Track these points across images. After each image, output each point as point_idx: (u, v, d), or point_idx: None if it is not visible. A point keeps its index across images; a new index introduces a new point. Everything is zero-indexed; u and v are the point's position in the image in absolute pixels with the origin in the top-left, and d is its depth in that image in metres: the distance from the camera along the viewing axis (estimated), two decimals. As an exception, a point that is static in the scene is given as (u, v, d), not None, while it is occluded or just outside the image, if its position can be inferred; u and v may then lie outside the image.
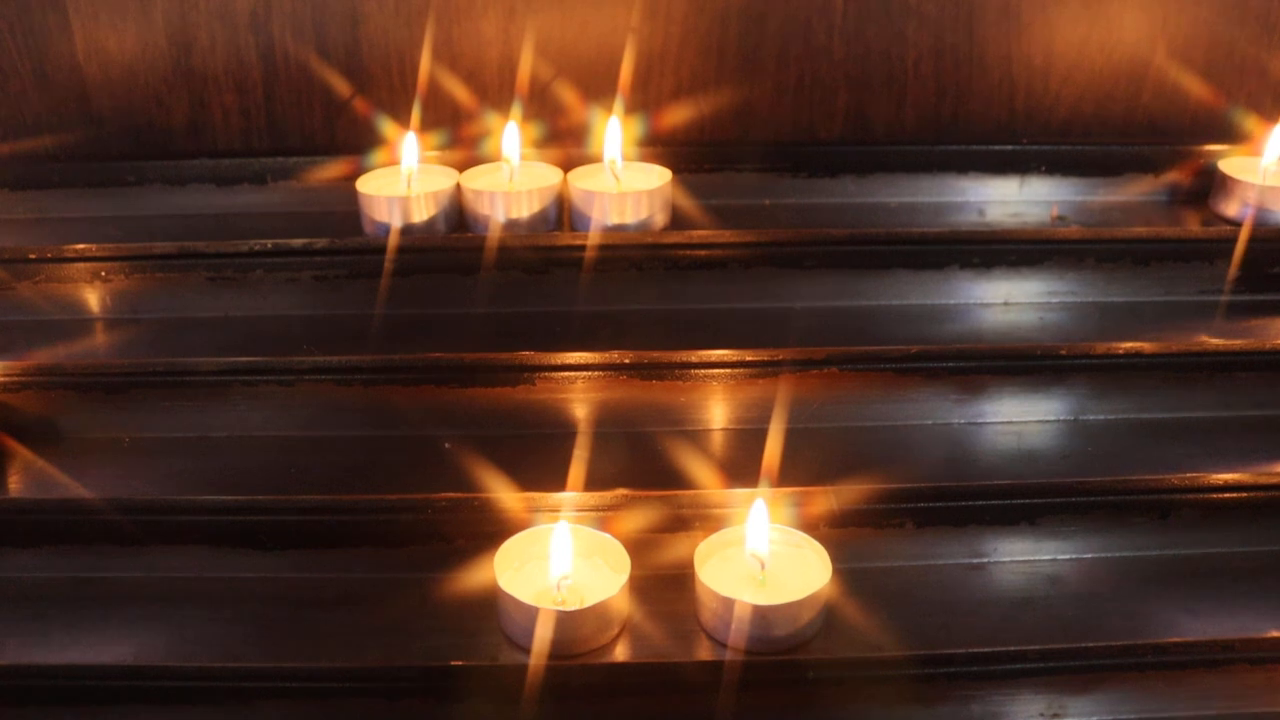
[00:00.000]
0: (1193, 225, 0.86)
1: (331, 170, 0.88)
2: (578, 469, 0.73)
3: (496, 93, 0.89)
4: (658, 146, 0.88)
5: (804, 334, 0.79)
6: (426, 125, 0.90)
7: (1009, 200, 0.90)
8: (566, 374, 0.77)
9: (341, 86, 0.89)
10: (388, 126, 0.90)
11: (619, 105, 0.88)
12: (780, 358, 0.78)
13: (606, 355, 0.77)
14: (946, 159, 0.89)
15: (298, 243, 0.83)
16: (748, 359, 0.78)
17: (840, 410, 0.78)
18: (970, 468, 0.74)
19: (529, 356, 0.77)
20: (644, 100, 0.89)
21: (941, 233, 0.85)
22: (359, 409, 0.77)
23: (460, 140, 0.90)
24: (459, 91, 0.89)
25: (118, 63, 0.87)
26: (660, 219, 0.84)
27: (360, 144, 0.89)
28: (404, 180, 0.86)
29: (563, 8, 0.86)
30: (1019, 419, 0.78)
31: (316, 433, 0.77)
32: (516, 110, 0.89)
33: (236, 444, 0.77)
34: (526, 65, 0.88)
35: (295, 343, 0.79)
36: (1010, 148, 0.89)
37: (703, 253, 0.84)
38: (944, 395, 0.78)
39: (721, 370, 0.78)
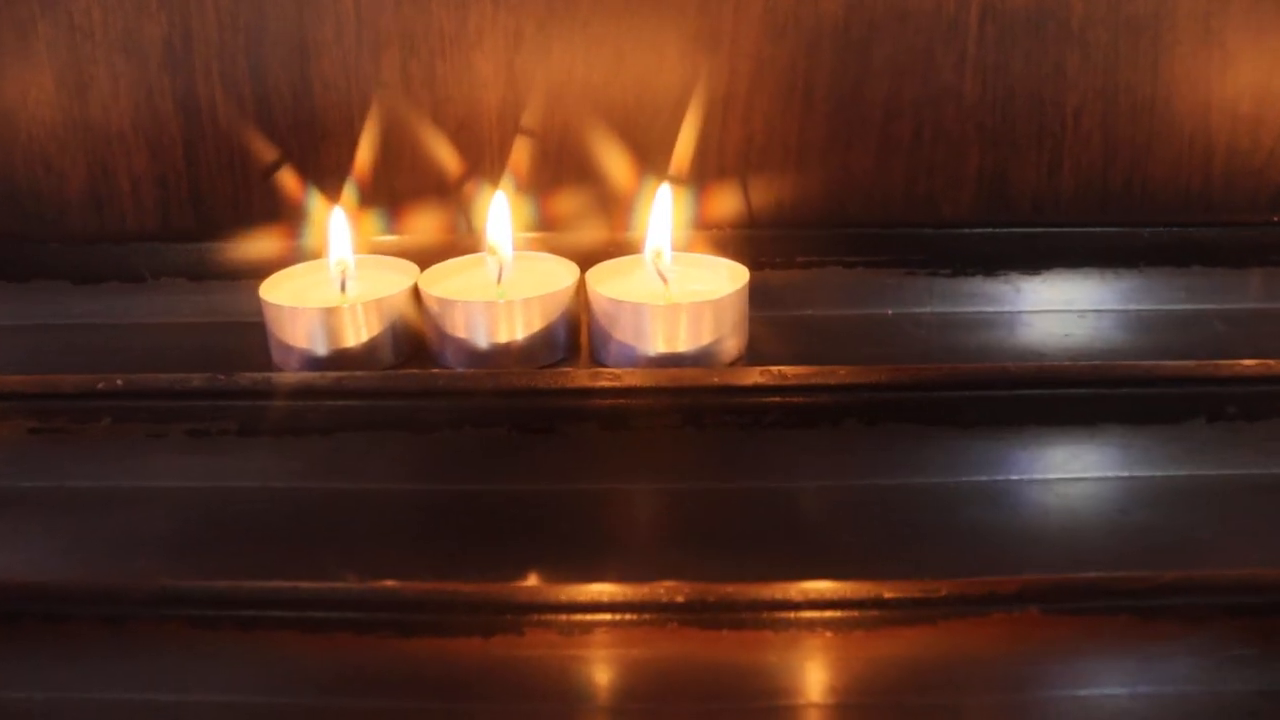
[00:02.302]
0: None
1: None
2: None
3: (497, 151, 0.66)
4: (716, 230, 0.65)
5: (978, 545, 0.49)
6: (396, 195, 0.67)
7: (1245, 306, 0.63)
8: (578, 617, 0.46)
9: (284, 142, 0.67)
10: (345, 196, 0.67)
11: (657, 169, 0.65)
12: (941, 592, 0.46)
13: (646, 590, 0.46)
14: (1142, 247, 0.64)
15: (162, 380, 0.53)
16: (885, 595, 0.46)
17: (1052, 680, 0.45)
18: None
19: (514, 591, 0.47)
20: (699, 164, 0.66)
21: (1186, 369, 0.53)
22: (227, 664, 0.46)
23: (443, 216, 0.67)
24: (443, 148, 0.67)
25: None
26: (731, 345, 0.55)
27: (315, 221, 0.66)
28: (336, 280, 0.56)
29: (588, 35, 0.64)
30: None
31: (159, 696, 0.46)
32: (517, 175, 0.67)
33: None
34: (536, 113, 0.65)
35: (142, 539, 0.51)
36: (1212, 229, 0.64)
37: (801, 400, 0.54)
38: (1223, 648, 0.45)
39: (839, 613, 0.46)
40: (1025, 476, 0.53)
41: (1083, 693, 0.43)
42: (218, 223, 0.67)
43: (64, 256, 0.65)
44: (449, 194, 0.66)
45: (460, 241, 0.63)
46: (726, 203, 0.67)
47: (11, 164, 0.68)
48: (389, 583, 0.46)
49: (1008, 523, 0.51)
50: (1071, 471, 0.53)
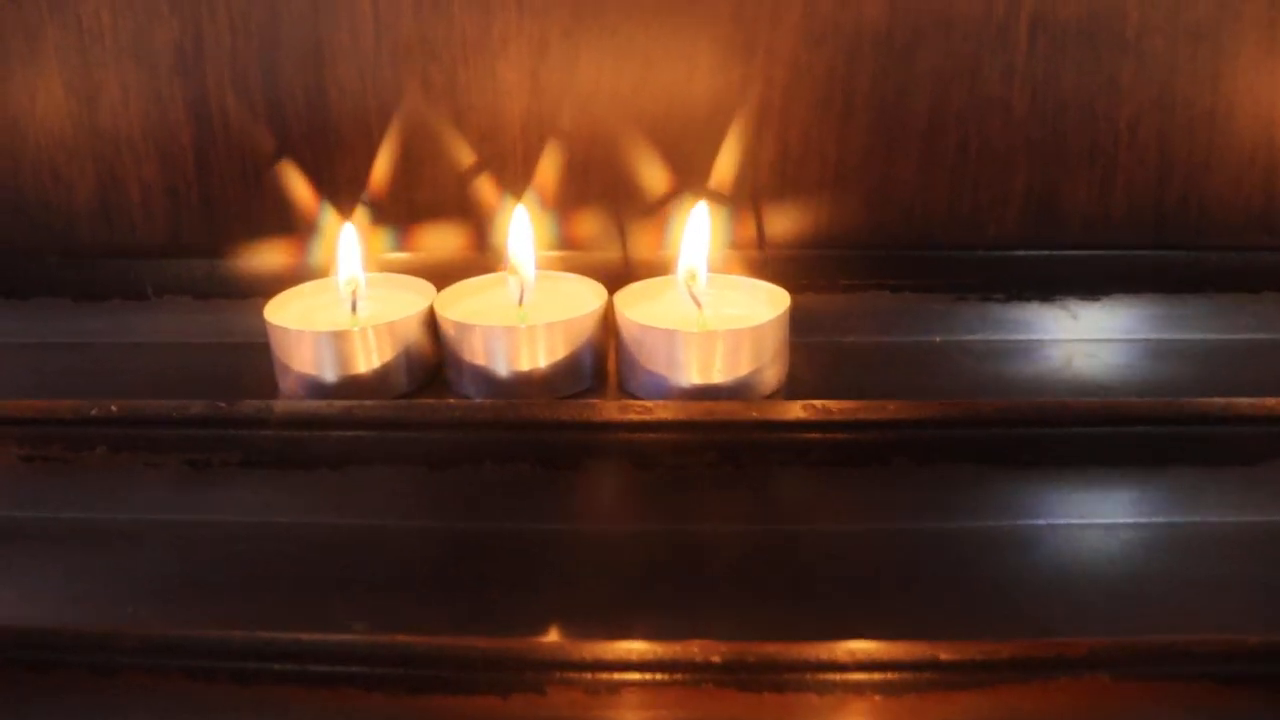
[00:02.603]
0: None
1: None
2: None
3: (520, 163, 0.62)
4: (750, 250, 0.62)
5: (1040, 599, 0.45)
6: (414, 209, 0.63)
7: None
8: (605, 676, 0.43)
9: (298, 151, 0.64)
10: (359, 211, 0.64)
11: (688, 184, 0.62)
12: (1002, 654, 0.42)
13: (679, 648, 0.42)
14: (1208, 271, 0.60)
15: (159, 407, 0.50)
16: (941, 657, 0.42)
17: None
18: None
19: (535, 647, 0.43)
20: (732, 178, 0.62)
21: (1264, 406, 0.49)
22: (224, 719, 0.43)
23: (462, 231, 0.64)
24: (464, 160, 0.63)
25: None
26: (771, 375, 0.51)
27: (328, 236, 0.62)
28: (346, 301, 0.52)
29: (616, 42, 0.61)
30: None
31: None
32: (541, 190, 0.63)
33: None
34: (562, 124, 0.62)
35: (136, 579, 0.47)
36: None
37: (847, 436, 0.50)
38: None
39: (889, 675, 0.42)
40: (1089, 521, 0.49)
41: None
42: (228, 235, 0.64)
43: (67, 273, 0.63)
44: (468, 209, 0.63)
45: (480, 259, 0.60)
46: (761, 220, 0.63)
47: (19, 173, 0.65)
48: (401, 636, 0.43)
49: (1072, 574, 0.46)
50: (1140, 516, 0.49)
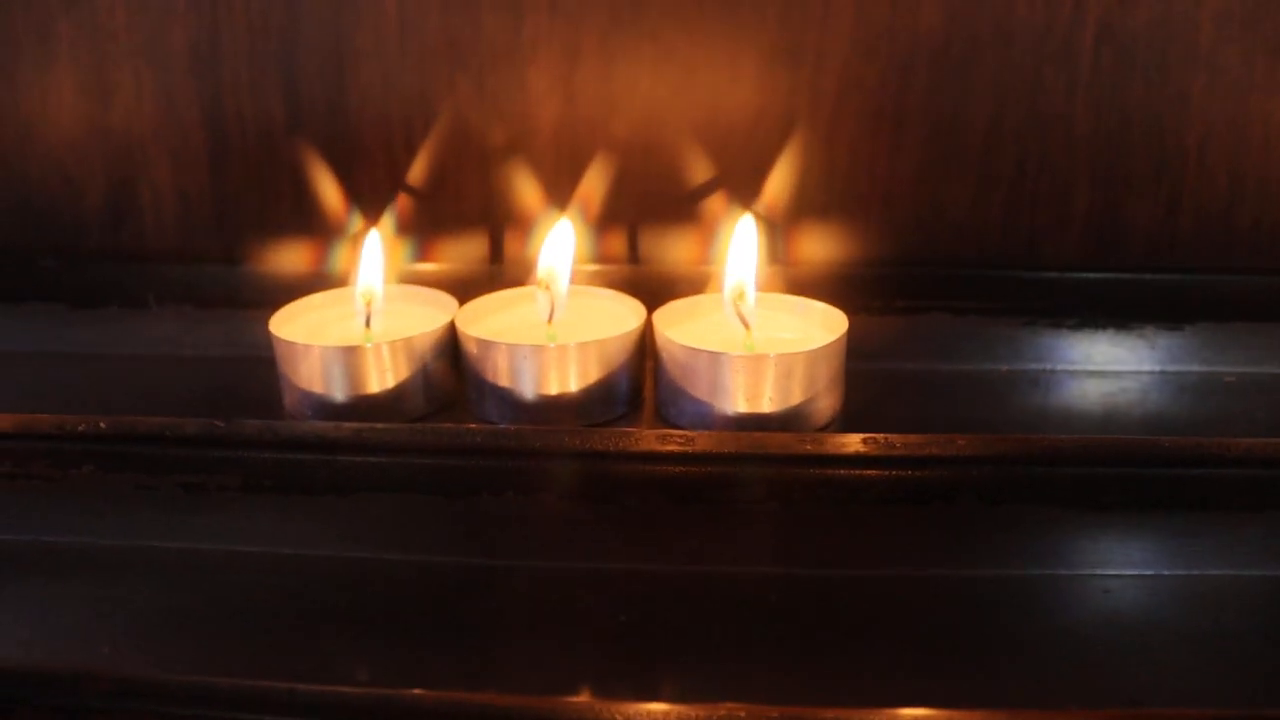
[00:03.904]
0: None
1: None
2: None
3: (552, 173, 0.60)
4: (794, 267, 0.58)
5: (1120, 662, 0.40)
6: (436, 219, 0.61)
7: None
8: (632, 736, 0.38)
9: (316, 157, 0.62)
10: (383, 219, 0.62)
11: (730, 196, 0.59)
12: (1091, 723, 0.37)
13: (708, 711, 0.38)
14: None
15: (151, 424, 0.46)
16: (1023, 726, 0.37)
17: None
18: None
19: (558, 707, 0.39)
20: (777, 191, 0.60)
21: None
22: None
23: (486, 244, 0.62)
24: (491, 169, 0.60)
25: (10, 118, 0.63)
26: (826, 405, 0.47)
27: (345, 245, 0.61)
28: (360, 313, 0.48)
29: (656, 47, 0.58)
30: None
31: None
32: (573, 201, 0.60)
33: None
34: (596, 132, 0.60)
35: (117, 612, 0.43)
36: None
37: (909, 473, 0.46)
38: None
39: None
40: (1177, 572, 0.44)
41: None
42: (240, 241, 0.62)
43: (65, 277, 0.60)
44: (495, 220, 0.60)
45: (505, 272, 0.57)
46: (808, 236, 0.60)
47: (28, 175, 0.63)
48: (413, 690, 0.38)
49: (1153, 633, 0.42)
50: (1235, 566, 0.44)
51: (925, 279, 0.57)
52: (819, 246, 0.60)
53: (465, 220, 0.60)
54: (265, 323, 0.50)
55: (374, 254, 0.51)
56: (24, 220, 0.64)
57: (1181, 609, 0.43)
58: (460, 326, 0.49)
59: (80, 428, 0.48)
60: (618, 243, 0.59)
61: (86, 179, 0.63)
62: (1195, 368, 0.54)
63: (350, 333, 0.50)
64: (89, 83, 0.61)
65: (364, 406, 0.48)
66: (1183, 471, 0.47)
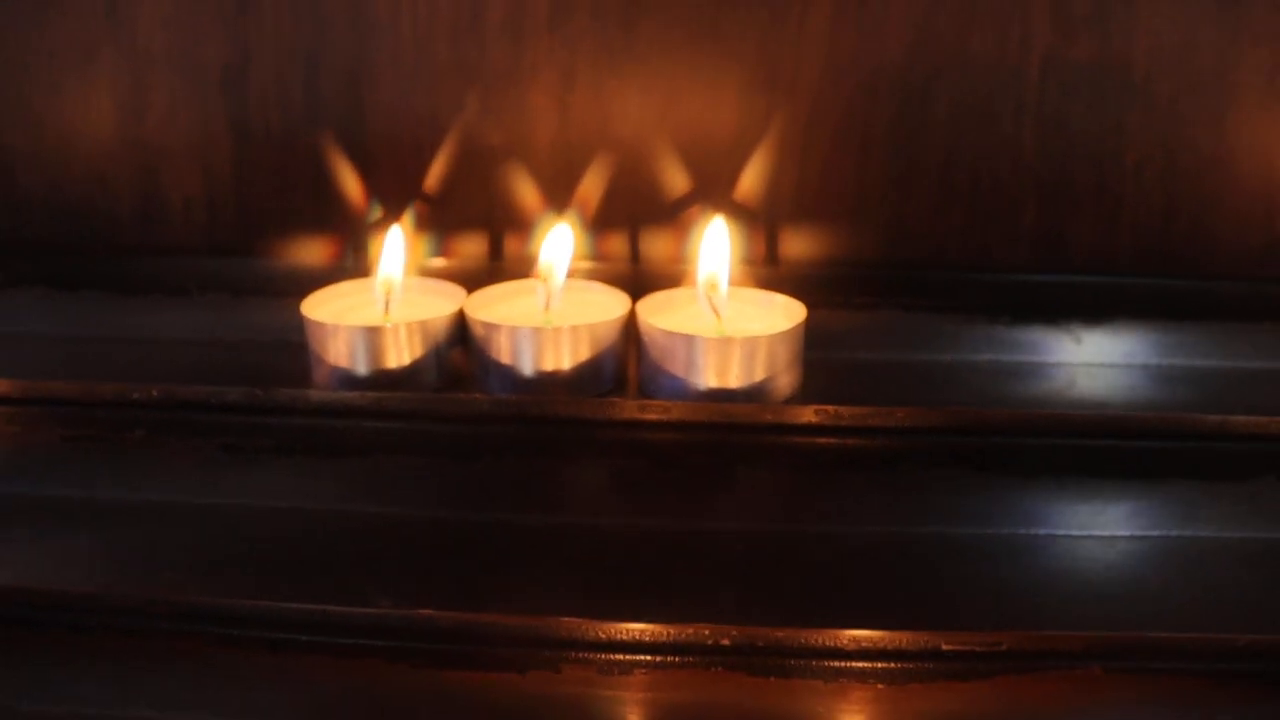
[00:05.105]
0: None
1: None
2: None
3: (548, 182, 0.64)
4: (769, 267, 0.63)
5: (1038, 598, 0.46)
6: (445, 225, 0.66)
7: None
8: (618, 657, 0.44)
9: (336, 169, 0.66)
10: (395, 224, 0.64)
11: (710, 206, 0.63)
12: (1002, 645, 0.44)
13: (690, 631, 0.43)
14: (1210, 302, 0.61)
15: (199, 392, 0.52)
16: (943, 647, 0.44)
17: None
18: None
19: (553, 625, 0.44)
20: (752, 203, 0.64)
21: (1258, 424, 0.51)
22: (251, 685, 0.44)
23: (490, 246, 0.66)
24: (496, 179, 0.65)
25: (52, 128, 0.67)
26: (785, 382, 0.53)
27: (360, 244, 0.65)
28: (380, 300, 0.54)
29: (644, 72, 0.63)
30: None
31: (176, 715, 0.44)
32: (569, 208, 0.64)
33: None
34: (590, 148, 0.64)
35: (170, 553, 0.48)
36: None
37: (856, 441, 0.52)
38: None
39: (892, 664, 0.44)
40: (1088, 532, 0.50)
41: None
42: (264, 242, 0.66)
43: (110, 268, 0.65)
44: (498, 225, 0.65)
45: (506, 269, 0.62)
46: (779, 241, 0.65)
47: (68, 181, 0.67)
48: (425, 611, 0.44)
49: (1069, 579, 0.48)
50: (1137, 529, 0.50)
51: (882, 279, 0.62)
52: (791, 249, 0.64)
53: (471, 222, 0.65)
54: (293, 310, 0.55)
55: (394, 247, 0.57)
56: (64, 221, 0.68)
57: (1088, 560, 0.48)
58: (469, 311, 0.54)
59: (135, 395, 0.54)
60: (607, 243, 0.64)
61: (122, 187, 0.67)
62: (1115, 360, 0.59)
63: (372, 316, 0.55)
64: (126, 99, 0.65)
65: (384, 380, 0.53)
66: (1094, 442, 0.52)
